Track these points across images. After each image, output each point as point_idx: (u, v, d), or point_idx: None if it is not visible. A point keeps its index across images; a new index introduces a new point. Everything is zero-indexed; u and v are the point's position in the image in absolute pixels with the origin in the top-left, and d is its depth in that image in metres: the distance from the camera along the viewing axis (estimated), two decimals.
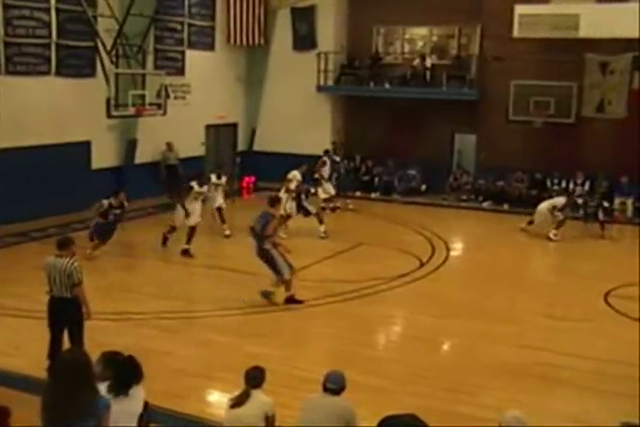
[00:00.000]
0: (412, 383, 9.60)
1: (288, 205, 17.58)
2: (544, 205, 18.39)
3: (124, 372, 6.42)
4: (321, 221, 17.93)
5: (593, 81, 21.53)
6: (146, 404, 6.99)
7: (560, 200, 18.32)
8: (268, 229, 12.55)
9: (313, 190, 18.48)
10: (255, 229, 12.74)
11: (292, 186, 17.76)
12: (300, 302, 12.76)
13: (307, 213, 17.87)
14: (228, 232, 17.54)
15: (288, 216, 17.68)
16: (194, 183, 16.24)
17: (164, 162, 22.24)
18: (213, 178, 17.71)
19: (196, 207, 16.12)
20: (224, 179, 17.99)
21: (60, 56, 18.93)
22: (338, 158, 22.01)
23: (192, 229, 15.88)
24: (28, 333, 10.72)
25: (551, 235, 17.97)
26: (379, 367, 10.18)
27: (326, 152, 21.80)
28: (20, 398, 8.18)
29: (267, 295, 12.68)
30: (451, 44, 24.58)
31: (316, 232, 17.58)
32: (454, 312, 12.61)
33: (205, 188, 16.58)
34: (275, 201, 13.31)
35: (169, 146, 22.07)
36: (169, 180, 22.03)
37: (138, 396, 6.41)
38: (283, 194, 17.11)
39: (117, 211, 15.64)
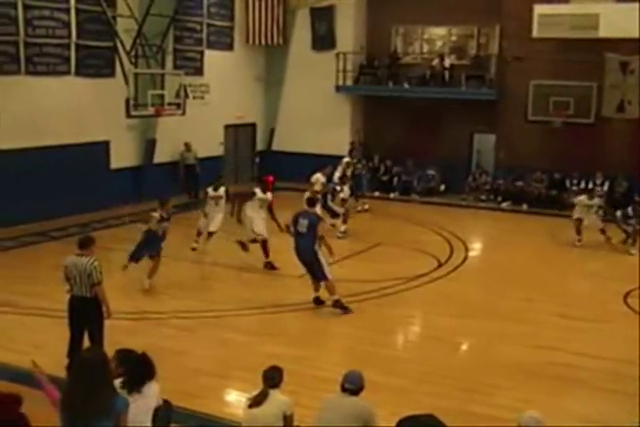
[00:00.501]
0: (430, 383, 9.59)
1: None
2: (588, 208, 17.45)
3: (137, 369, 6.46)
4: (345, 221, 18.01)
5: (613, 81, 21.43)
6: (168, 403, 7.02)
7: (628, 209, 17.25)
8: (319, 230, 12.39)
9: (339, 188, 18.39)
10: (300, 230, 12.40)
11: (318, 188, 17.76)
12: (346, 309, 12.33)
13: (334, 214, 17.90)
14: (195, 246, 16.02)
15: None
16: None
17: (183, 162, 22.31)
18: (210, 190, 16.02)
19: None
20: (222, 190, 16.00)
21: (79, 56, 19.05)
22: (354, 160, 21.72)
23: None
24: (48, 332, 10.79)
25: (632, 251, 16.78)
26: (397, 367, 10.17)
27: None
28: (39, 396, 8.22)
29: (340, 307, 12.36)
30: (470, 43, 24.51)
31: (334, 232, 17.57)
32: (472, 312, 12.60)
33: (222, 190, 16.11)
34: (313, 201, 13.35)
35: (187, 146, 22.14)
36: (187, 180, 22.19)
37: (151, 393, 6.45)
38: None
39: (166, 223, 13.40)
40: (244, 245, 15.26)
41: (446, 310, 12.79)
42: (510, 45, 22.70)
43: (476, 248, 18.01)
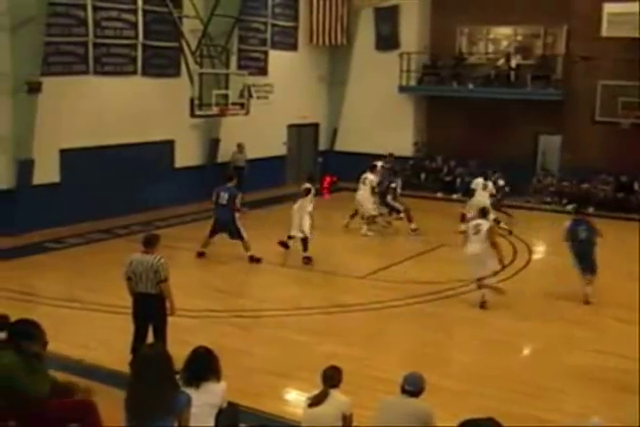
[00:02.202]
0: (491, 387, 9.47)
1: (372, 206, 17.89)
2: None
3: (195, 364, 6.49)
4: (410, 219, 18.08)
5: None
6: (234, 405, 7.03)
7: None
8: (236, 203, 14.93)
9: (394, 185, 18.38)
10: (221, 202, 15.01)
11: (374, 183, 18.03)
12: (259, 260, 14.94)
13: (392, 209, 18.01)
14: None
15: (369, 217, 18.01)
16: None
17: (233, 163, 21.93)
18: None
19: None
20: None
21: (145, 56, 19.34)
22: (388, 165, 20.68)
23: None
24: (111, 327, 10.95)
25: None
26: (457, 370, 10.09)
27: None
28: (103, 391, 8.34)
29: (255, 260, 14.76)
30: (536, 43, 24.19)
31: (393, 233, 17.53)
32: (534, 316, 12.44)
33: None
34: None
35: (240, 147, 21.99)
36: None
37: (211, 390, 6.45)
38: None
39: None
40: (285, 245, 15.77)
41: (508, 312, 12.64)
42: (578, 45, 22.38)
43: (539, 251, 17.76)
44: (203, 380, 6.45)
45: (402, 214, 18.34)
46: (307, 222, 15.44)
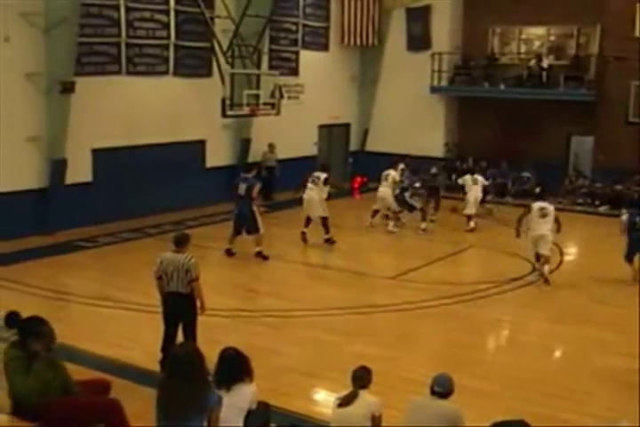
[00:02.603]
0: (520, 388, 9.40)
1: (394, 204, 18.03)
2: None
3: (225, 366, 6.49)
4: (424, 218, 18.15)
5: None
6: (265, 404, 7.03)
7: None
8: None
9: (418, 184, 18.36)
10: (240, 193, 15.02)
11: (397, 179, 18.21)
12: (266, 258, 15.15)
13: (411, 208, 18.13)
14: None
15: (395, 212, 18.20)
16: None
17: (264, 163, 21.66)
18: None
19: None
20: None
21: (177, 56, 19.43)
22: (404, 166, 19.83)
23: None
24: (142, 326, 11.02)
25: None
26: (486, 371, 10.02)
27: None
28: (134, 389, 8.40)
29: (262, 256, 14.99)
30: (569, 43, 24.00)
31: (430, 233, 17.48)
32: (565, 318, 12.34)
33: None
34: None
35: (271, 147, 21.87)
36: (264, 181, 21.34)
37: (242, 393, 6.46)
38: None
39: None
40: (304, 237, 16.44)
41: (539, 314, 12.58)
42: (611, 45, 22.13)
43: (571, 253, 17.61)
44: (234, 382, 6.45)
45: (416, 213, 18.31)
46: (324, 205, 16.27)
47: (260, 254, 15.26)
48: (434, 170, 19.93)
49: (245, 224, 15.20)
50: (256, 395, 6.67)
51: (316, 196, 16.49)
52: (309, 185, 16.64)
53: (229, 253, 15.51)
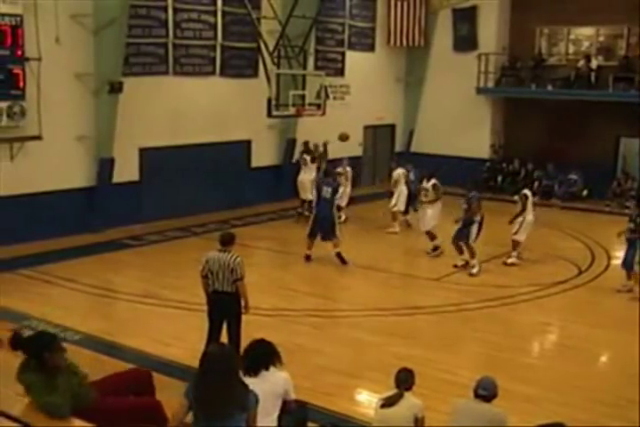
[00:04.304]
0: (563, 393, 9.32)
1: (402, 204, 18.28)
2: None
3: (252, 353, 6.54)
4: (473, 255, 17.87)
5: None
6: (302, 403, 7.06)
7: None
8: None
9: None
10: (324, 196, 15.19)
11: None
12: (345, 262, 14.98)
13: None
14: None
15: (402, 212, 18.47)
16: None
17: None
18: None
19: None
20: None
21: (224, 57, 19.57)
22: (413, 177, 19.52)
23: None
24: (187, 324, 11.14)
25: None
26: (529, 375, 9.94)
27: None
28: (178, 386, 8.48)
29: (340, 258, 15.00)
30: (618, 44, 23.66)
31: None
32: (610, 323, 12.20)
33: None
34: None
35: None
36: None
37: (274, 379, 6.50)
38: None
39: None
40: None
41: (584, 318, 12.44)
42: None
43: (619, 256, 17.35)
44: (261, 368, 6.50)
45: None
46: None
47: (339, 256, 15.13)
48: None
49: (324, 227, 15.12)
50: (290, 382, 6.68)
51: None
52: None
53: (308, 258, 15.37)
